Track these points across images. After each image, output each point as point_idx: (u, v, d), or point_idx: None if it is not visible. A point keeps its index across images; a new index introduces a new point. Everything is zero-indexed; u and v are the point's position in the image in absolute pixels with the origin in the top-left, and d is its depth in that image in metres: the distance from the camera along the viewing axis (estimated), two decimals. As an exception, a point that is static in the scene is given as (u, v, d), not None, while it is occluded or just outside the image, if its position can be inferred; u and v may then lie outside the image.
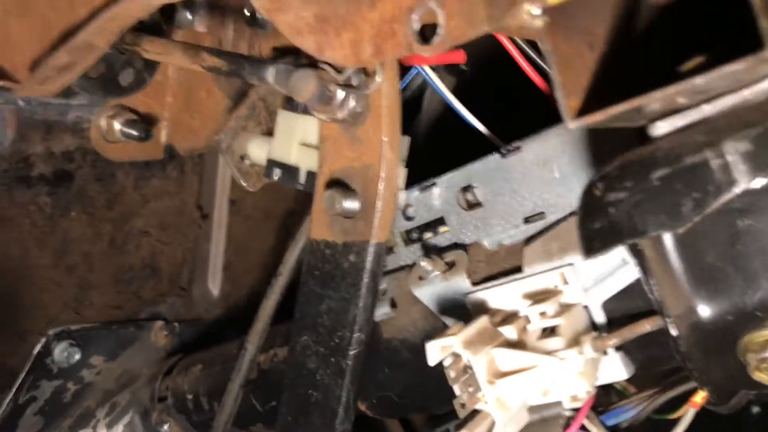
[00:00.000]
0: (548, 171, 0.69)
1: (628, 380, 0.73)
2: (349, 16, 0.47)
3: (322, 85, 0.61)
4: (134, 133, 1.00)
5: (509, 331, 0.65)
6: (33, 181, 0.97)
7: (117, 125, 1.00)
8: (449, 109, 0.79)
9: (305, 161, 0.77)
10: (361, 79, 0.63)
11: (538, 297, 0.66)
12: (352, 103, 0.63)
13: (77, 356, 1.07)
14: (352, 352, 0.70)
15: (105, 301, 1.10)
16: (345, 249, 0.68)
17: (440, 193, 0.76)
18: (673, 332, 0.54)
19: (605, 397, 0.76)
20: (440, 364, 0.75)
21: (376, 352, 0.80)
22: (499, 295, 0.69)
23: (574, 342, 0.62)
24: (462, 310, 0.73)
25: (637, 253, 0.55)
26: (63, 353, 1.06)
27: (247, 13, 0.84)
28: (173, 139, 1.08)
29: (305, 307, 0.73)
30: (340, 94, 0.62)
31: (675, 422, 0.70)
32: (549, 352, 0.62)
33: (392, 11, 0.45)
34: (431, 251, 0.77)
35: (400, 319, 0.80)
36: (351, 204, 0.66)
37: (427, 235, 0.79)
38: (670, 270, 0.53)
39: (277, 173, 0.79)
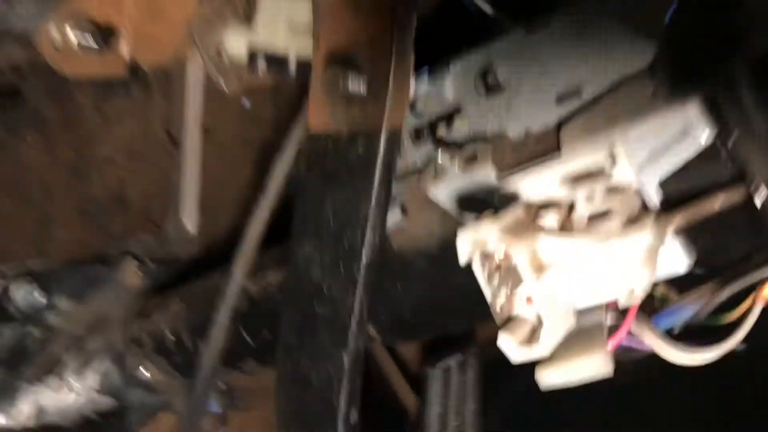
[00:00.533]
0: (586, 41, 0.60)
1: (670, 284, 0.65)
2: None
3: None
4: (91, 42, 0.88)
5: (550, 220, 0.57)
6: (-22, 99, 0.85)
7: (70, 33, 0.87)
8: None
9: (296, 47, 0.67)
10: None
11: (582, 181, 0.57)
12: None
13: (41, 299, 0.96)
14: (364, 256, 0.60)
15: (69, 237, 0.99)
16: (352, 139, 0.58)
17: (453, 80, 0.67)
18: (760, 199, 0.46)
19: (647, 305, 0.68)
20: (463, 270, 0.67)
21: (385, 266, 0.70)
22: (534, 183, 0.60)
23: (631, 226, 0.54)
24: (487, 207, 0.64)
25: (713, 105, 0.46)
26: (25, 296, 0.95)
27: None
28: (136, 53, 0.95)
29: (306, 211, 0.63)
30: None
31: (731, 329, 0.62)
32: (601, 239, 0.53)
33: None
34: (446, 146, 0.67)
35: (412, 227, 0.71)
36: (357, 84, 0.56)
37: (440, 130, 0.69)
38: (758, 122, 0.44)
39: (262, 65, 0.68)
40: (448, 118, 0.68)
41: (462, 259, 0.56)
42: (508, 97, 0.64)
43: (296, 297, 0.65)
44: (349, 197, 0.60)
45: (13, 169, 0.89)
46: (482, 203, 0.63)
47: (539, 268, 0.54)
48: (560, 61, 0.61)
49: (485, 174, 0.63)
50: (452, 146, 0.66)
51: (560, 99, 0.62)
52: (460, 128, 0.68)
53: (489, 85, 0.64)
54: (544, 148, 0.62)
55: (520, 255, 0.54)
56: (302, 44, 0.66)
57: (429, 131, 0.69)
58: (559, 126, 0.62)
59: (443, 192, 0.66)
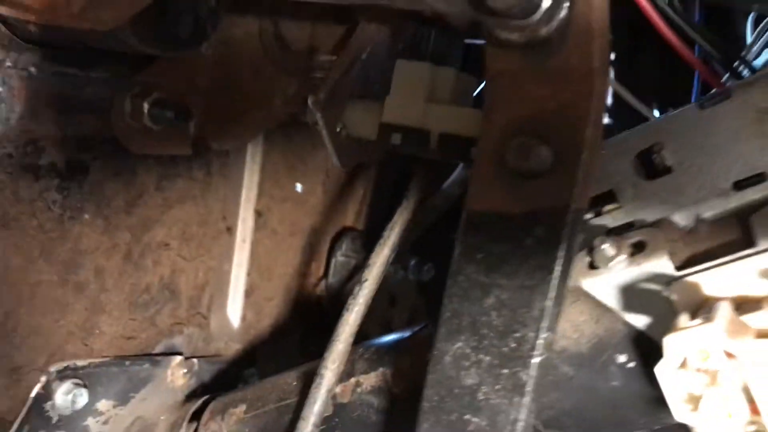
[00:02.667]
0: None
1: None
2: None
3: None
4: (167, 114, 0.81)
5: (761, 319, 0.49)
6: (42, 172, 0.76)
7: (145, 105, 0.81)
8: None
9: (437, 122, 0.61)
10: (568, -15, 0.47)
11: (788, 275, 0.51)
12: (563, 13, 0.47)
13: (84, 399, 0.85)
14: (535, 359, 0.52)
15: (117, 330, 0.88)
16: (528, 220, 0.51)
17: (608, 160, 0.61)
18: None
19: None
20: (618, 375, 0.59)
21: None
22: (723, 278, 0.53)
23: None
24: (657, 304, 0.57)
25: None
26: (66, 396, 0.83)
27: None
28: (205, 130, 0.88)
29: (460, 304, 0.55)
30: (548, 1, 0.46)
31: None
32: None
33: None
34: (597, 234, 0.61)
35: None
36: (543, 157, 0.50)
37: (587, 215, 0.63)
38: None
39: (396, 139, 0.62)
40: (599, 201, 0.62)
41: (668, 365, 0.48)
42: (676, 180, 0.58)
43: (440, 404, 0.56)
44: (519, 289, 0.52)
45: (69, 252, 0.80)
46: (652, 303, 0.56)
47: (761, 372, 0.47)
48: (738, 142, 0.56)
49: (659, 265, 0.56)
50: (612, 234, 0.60)
51: (738, 184, 0.56)
52: (615, 214, 0.61)
53: (655, 167, 0.58)
54: (728, 238, 0.56)
55: (742, 358, 0.46)
56: (443, 120, 0.59)
57: (575, 217, 0.62)
58: (741, 212, 0.56)
59: (602, 287, 0.59)
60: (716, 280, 0.54)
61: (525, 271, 0.52)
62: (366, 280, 0.73)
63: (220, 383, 1.03)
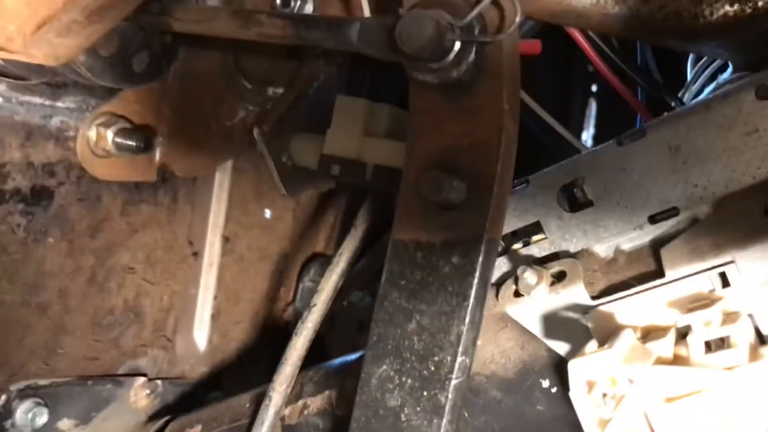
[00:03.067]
0: (682, 157, 0.58)
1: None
2: None
3: (439, 31, 0.49)
4: (131, 143, 0.84)
5: (662, 347, 0.52)
6: (6, 196, 0.79)
7: (110, 134, 0.84)
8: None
9: (372, 154, 0.64)
10: (481, 29, 0.50)
11: (690, 305, 0.54)
12: (471, 57, 0.50)
13: (44, 418, 0.87)
14: (453, 382, 0.54)
15: (80, 351, 0.91)
16: (446, 249, 0.54)
17: (534, 193, 0.64)
18: None
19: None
20: (543, 399, 0.62)
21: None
22: (634, 307, 0.56)
23: (755, 355, 0.49)
24: (576, 331, 0.59)
25: None
26: (27, 414, 0.85)
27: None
28: (170, 158, 0.92)
29: (385, 329, 0.58)
30: (458, 44, 0.50)
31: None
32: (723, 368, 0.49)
33: None
34: (524, 263, 0.64)
35: (484, 350, 0.65)
36: (458, 189, 0.53)
37: (516, 245, 0.66)
38: None
39: (335, 170, 0.65)
40: (527, 232, 0.65)
41: (574, 388, 0.51)
42: (597, 214, 0.61)
43: (367, 425, 0.58)
44: (438, 315, 0.55)
45: (32, 274, 0.83)
46: (570, 330, 0.59)
47: (659, 401, 0.49)
48: (653, 178, 0.59)
49: (576, 295, 0.59)
50: (536, 263, 0.62)
51: (654, 218, 0.59)
52: (541, 245, 0.64)
53: (577, 200, 0.61)
54: (642, 269, 0.59)
55: (641, 387, 0.49)
56: (379, 152, 0.62)
57: (505, 245, 0.65)
58: (656, 244, 0.59)
59: (526, 314, 0.61)
60: (628, 309, 0.57)
61: (443, 298, 0.55)
62: (314, 305, 0.76)
63: (185, 405, 1.05)
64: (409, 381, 0.56)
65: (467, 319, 0.54)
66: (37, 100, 0.80)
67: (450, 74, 0.51)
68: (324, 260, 1.24)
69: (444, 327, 0.55)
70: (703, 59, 0.83)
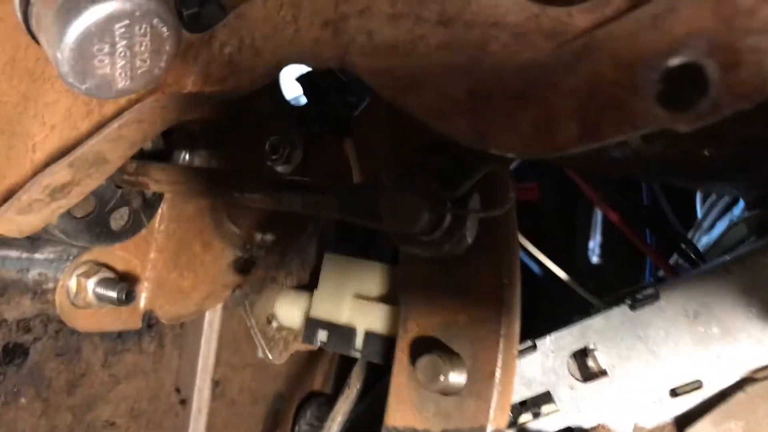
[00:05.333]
0: (702, 325, 0.52)
1: None
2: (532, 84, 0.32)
3: (428, 209, 0.44)
4: (112, 294, 0.79)
5: None
6: (-24, 357, 0.74)
7: (90, 285, 0.79)
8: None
9: (362, 319, 0.59)
10: (476, 201, 0.46)
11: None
12: (467, 231, 0.46)
13: None
14: None
15: None
16: (445, 439, 0.48)
17: (542, 359, 0.58)
18: None
19: None
20: None
21: None
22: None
23: None
24: None
25: None
26: None
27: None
28: (155, 305, 0.87)
29: None
30: (449, 218, 0.45)
31: None
32: None
33: (617, 66, 0.30)
34: (535, 438, 0.57)
35: None
36: (457, 375, 0.47)
37: (525, 417, 0.60)
38: None
39: (322, 336, 0.60)
40: (537, 403, 0.59)
41: None
42: (612, 385, 0.55)
43: None
44: None
45: (1, 440, 0.77)
46: None
47: None
48: (674, 347, 0.53)
49: None
50: (545, 440, 0.56)
51: (675, 392, 0.53)
52: (553, 418, 0.58)
53: (589, 368, 0.56)
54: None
55: None
56: (370, 318, 0.57)
57: (513, 418, 0.59)
58: (681, 423, 0.53)
59: None
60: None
61: (442, 496, 0.48)
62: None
63: None
64: None
65: None
66: (14, 253, 0.76)
67: (442, 248, 0.46)
68: (322, 400, 1.17)
69: None
70: (713, 196, 0.80)
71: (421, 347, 0.49)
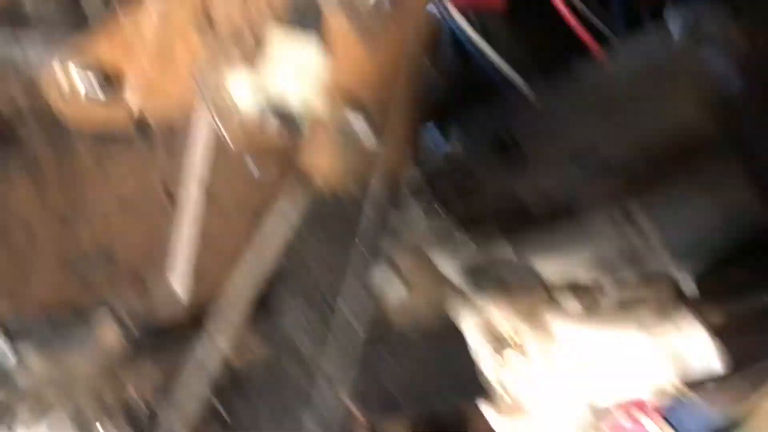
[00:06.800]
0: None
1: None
2: None
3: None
4: (98, 87, 0.85)
5: (574, 304, 0.51)
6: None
7: (77, 78, 0.84)
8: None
9: (306, 103, 0.63)
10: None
11: (612, 265, 0.52)
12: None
13: (10, 356, 0.89)
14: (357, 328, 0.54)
15: (48, 289, 0.93)
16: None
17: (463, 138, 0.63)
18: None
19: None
20: (461, 349, 0.61)
21: (382, 341, 0.64)
22: (557, 264, 0.55)
23: (664, 317, 0.48)
24: (500, 283, 0.58)
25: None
26: (-7, 352, 0.88)
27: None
28: (143, 104, 0.92)
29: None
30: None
31: None
32: (630, 328, 0.48)
33: None
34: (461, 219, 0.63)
35: (415, 303, 0.65)
36: (363, 127, 0.52)
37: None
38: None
39: (273, 121, 0.64)
40: (459, 186, 0.64)
41: (468, 338, 0.50)
42: (524, 157, 0.60)
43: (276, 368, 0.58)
44: (336, 250, 0.54)
45: (-1, 211, 0.85)
46: (495, 279, 0.58)
47: (552, 353, 0.48)
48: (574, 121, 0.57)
49: (501, 250, 0.58)
50: (465, 218, 0.62)
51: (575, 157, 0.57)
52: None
53: (503, 144, 0.60)
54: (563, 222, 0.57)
55: (534, 338, 0.48)
56: (313, 100, 0.61)
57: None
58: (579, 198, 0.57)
59: (453, 265, 0.61)
60: (552, 266, 0.55)
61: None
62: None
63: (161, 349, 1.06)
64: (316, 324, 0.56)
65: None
66: None
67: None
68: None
69: (340, 261, 0.54)
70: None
71: (340, 103, 0.53)
